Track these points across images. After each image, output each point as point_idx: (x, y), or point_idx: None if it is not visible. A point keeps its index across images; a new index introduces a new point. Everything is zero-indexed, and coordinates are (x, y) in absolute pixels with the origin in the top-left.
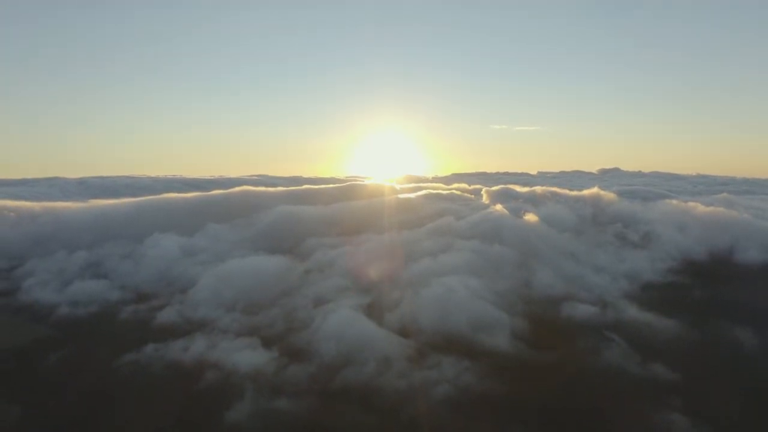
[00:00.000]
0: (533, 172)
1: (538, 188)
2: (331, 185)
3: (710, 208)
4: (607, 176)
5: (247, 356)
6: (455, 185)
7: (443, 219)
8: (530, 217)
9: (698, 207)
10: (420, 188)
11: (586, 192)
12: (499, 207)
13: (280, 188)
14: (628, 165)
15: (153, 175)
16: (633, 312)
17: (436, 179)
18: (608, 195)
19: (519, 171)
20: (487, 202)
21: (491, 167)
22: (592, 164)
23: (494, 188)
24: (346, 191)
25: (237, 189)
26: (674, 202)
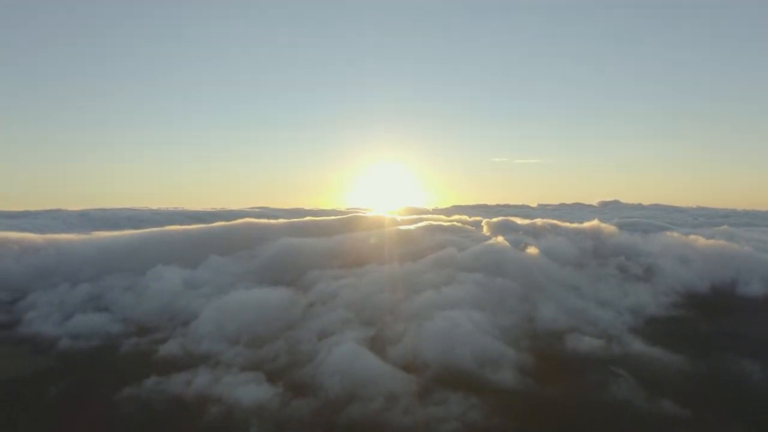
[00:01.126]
0: (533, 204)
1: (538, 220)
2: (333, 217)
3: (711, 241)
4: (608, 209)
5: (251, 391)
6: (455, 217)
7: (445, 251)
8: (532, 250)
9: (699, 240)
10: (421, 220)
11: (586, 224)
12: (500, 239)
13: (281, 220)
14: (628, 197)
15: (154, 207)
16: (638, 346)
17: (436, 211)
18: (609, 228)
19: (519, 203)
20: (487, 233)
21: (492, 199)
22: (592, 197)
23: (494, 220)
24: (348, 223)
25: (239, 221)
26: (675, 234)
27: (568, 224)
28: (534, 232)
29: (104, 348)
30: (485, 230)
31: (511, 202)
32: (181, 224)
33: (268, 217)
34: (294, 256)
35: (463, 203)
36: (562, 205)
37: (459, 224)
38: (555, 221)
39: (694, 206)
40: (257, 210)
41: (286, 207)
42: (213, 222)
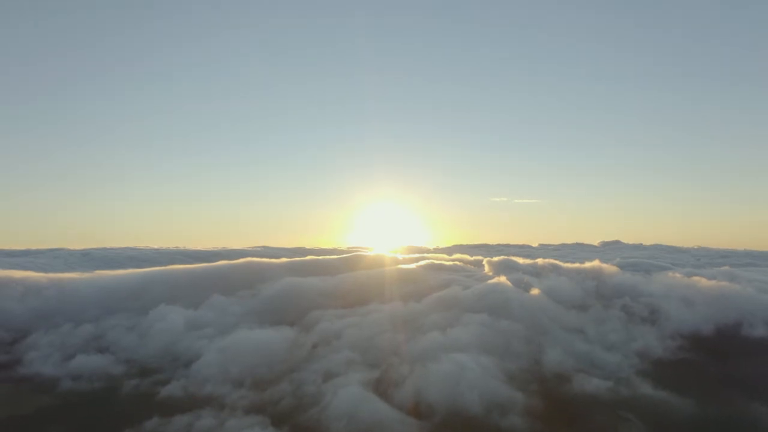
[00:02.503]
0: (534, 244)
1: (539, 260)
2: (335, 256)
3: (713, 282)
4: (609, 249)
5: None
6: (456, 256)
7: (449, 290)
8: (534, 291)
9: (702, 281)
10: (422, 259)
11: (587, 264)
12: (503, 279)
13: (283, 259)
14: (628, 237)
15: (155, 246)
16: (647, 389)
17: (437, 250)
18: (611, 268)
19: (520, 243)
20: (489, 273)
21: (492, 239)
22: (592, 236)
23: (495, 259)
24: (350, 262)
25: (241, 260)
26: (678, 275)
27: (569, 264)
28: (535, 272)
29: (105, 389)
30: (487, 269)
31: (512, 242)
32: (183, 264)
33: (270, 257)
34: (296, 295)
35: (464, 242)
36: (563, 245)
37: (460, 263)
38: (556, 261)
39: (695, 246)
40: (258, 249)
41: (286, 246)
42: (215, 261)
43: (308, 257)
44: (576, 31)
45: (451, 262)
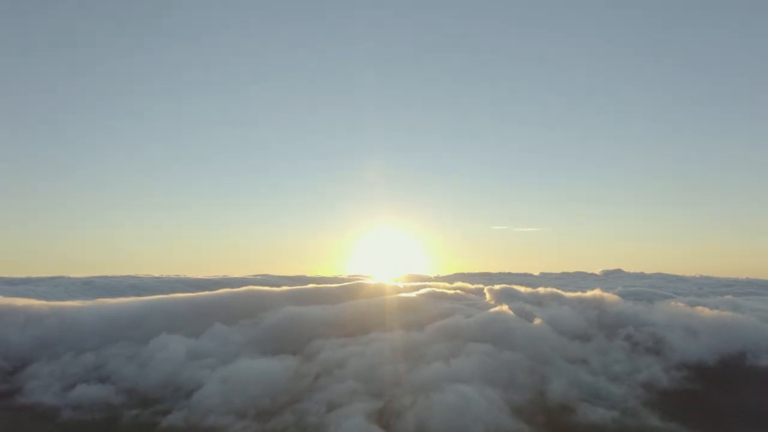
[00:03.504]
0: (536, 272)
1: (541, 289)
2: (336, 284)
3: (716, 312)
4: (610, 277)
5: None
6: (458, 284)
7: (451, 319)
8: (537, 320)
9: (705, 311)
10: (424, 287)
11: (589, 293)
12: (505, 308)
13: (284, 287)
14: (630, 265)
15: (155, 274)
16: (654, 421)
17: (438, 278)
18: (612, 297)
19: (521, 271)
20: (490, 301)
21: (494, 267)
22: (594, 264)
23: (497, 287)
24: (351, 290)
25: (242, 288)
26: (680, 304)
27: (571, 293)
28: (537, 301)
29: (106, 419)
30: (488, 298)
31: (514, 270)
32: (183, 292)
33: (271, 285)
34: (298, 324)
35: (465, 270)
36: (565, 274)
37: (462, 292)
38: (558, 290)
39: (697, 275)
40: (259, 277)
41: (287, 274)
42: (216, 290)
43: (309, 285)
44: (576, 61)
45: (452, 291)
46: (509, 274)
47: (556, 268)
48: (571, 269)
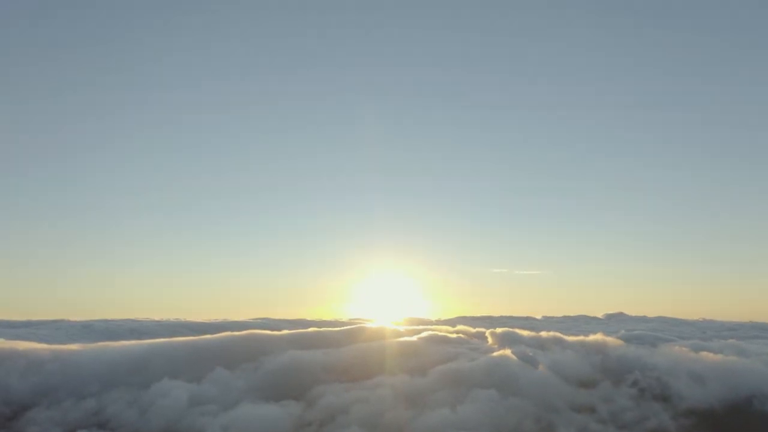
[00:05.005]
0: (538, 316)
1: (543, 333)
2: (338, 328)
3: (721, 357)
4: (612, 321)
5: None
6: (459, 327)
7: (454, 363)
8: (541, 365)
9: (710, 355)
10: (426, 331)
11: (591, 337)
12: (508, 352)
13: (285, 331)
14: (632, 308)
15: (155, 317)
16: None
17: (440, 322)
18: (615, 341)
19: (523, 315)
20: (492, 345)
21: (494, 310)
22: (596, 308)
23: (498, 331)
24: (352, 334)
25: (244, 332)
26: (684, 349)
27: (573, 337)
28: (539, 345)
29: None
30: (490, 342)
31: (515, 314)
32: (184, 336)
33: (271, 328)
34: (300, 369)
35: (465, 313)
36: (567, 317)
37: (464, 336)
38: (560, 334)
39: (699, 318)
40: (259, 321)
41: (288, 317)
42: (216, 334)
43: (311, 329)
44: (574, 102)
45: (454, 335)
46: (511, 317)
47: (558, 312)
48: (572, 312)
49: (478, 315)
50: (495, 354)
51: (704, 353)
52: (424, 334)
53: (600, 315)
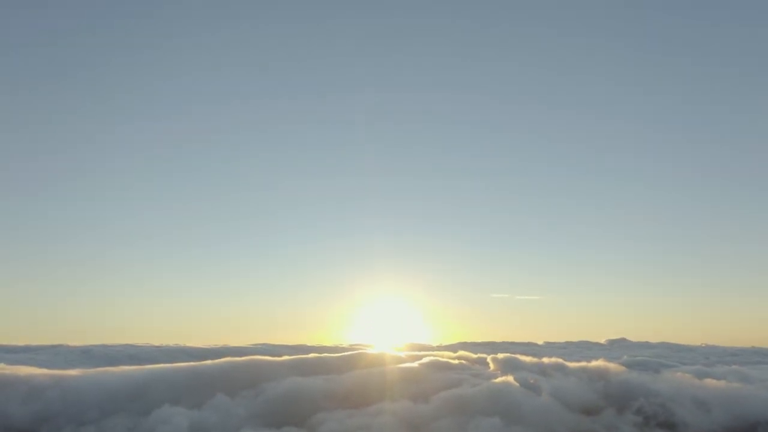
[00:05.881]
0: (539, 341)
1: (545, 359)
2: (339, 354)
3: (724, 383)
4: (615, 347)
5: None
6: (460, 353)
7: (456, 390)
8: (544, 392)
9: (713, 382)
10: (427, 356)
11: (593, 363)
12: (510, 378)
13: (286, 357)
14: (634, 334)
15: (154, 343)
16: None
17: (441, 347)
18: (618, 367)
19: (525, 340)
20: (493, 371)
21: (496, 335)
22: (598, 333)
23: (500, 356)
24: (354, 360)
25: (245, 358)
26: (688, 375)
27: (575, 363)
28: (541, 371)
29: None
30: (492, 368)
31: (516, 339)
32: (184, 362)
33: (272, 354)
34: (302, 395)
35: (466, 339)
36: (569, 343)
37: (465, 361)
38: (562, 360)
39: (702, 344)
40: (260, 346)
41: (287, 343)
42: (216, 359)
43: (311, 355)
44: (576, 127)
45: (456, 360)
46: (513, 343)
47: (560, 337)
48: (574, 338)
49: (480, 341)
50: (497, 380)
51: (708, 381)
52: (425, 360)
53: (602, 341)
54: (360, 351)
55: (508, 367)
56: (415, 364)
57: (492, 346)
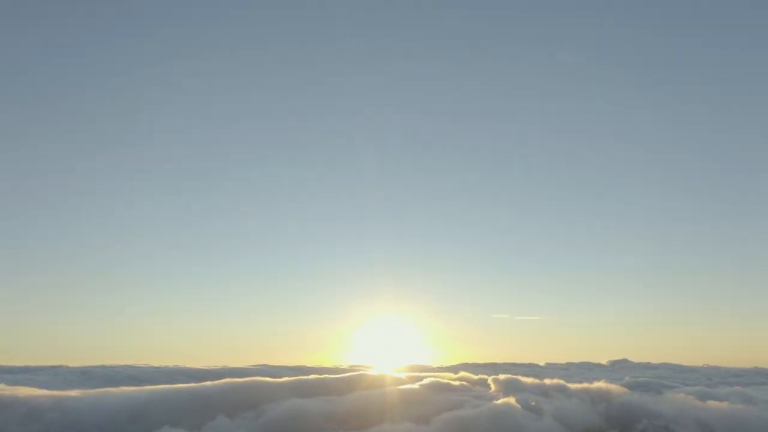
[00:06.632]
0: (541, 362)
1: (547, 380)
2: (339, 375)
3: (727, 404)
4: (617, 368)
5: None
6: (461, 374)
7: (458, 412)
8: (546, 415)
9: (716, 403)
10: (428, 378)
11: (595, 385)
12: (512, 400)
13: (286, 378)
14: (636, 354)
15: (154, 363)
16: None
17: (441, 369)
18: (620, 389)
19: (526, 361)
20: (494, 392)
21: (497, 356)
22: (599, 354)
23: (501, 377)
24: (354, 382)
25: (245, 379)
26: (691, 396)
27: (577, 384)
28: (543, 392)
29: None
30: (493, 388)
31: (517, 360)
32: (184, 383)
33: (272, 375)
34: (303, 417)
35: (467, 360)
36: (570, 364)
37: (466, 383)
38: (563, 381)
39: (704, 365)
40: (259, 368)
41: (287, 364)
42: (216, 380)
43: (311, 376)
44: (575, 150)
45: (457, 382)
46: (515, 364)
47: (562, 358)
48: (576, 358)
49: (481, 362)
50: (499, 402)
51: (711, 403)
52: (426, 381)
53: (604, 361)
54: (360, 372)
55: (509, 388)
56: (416, 386)
57: (493, 368)
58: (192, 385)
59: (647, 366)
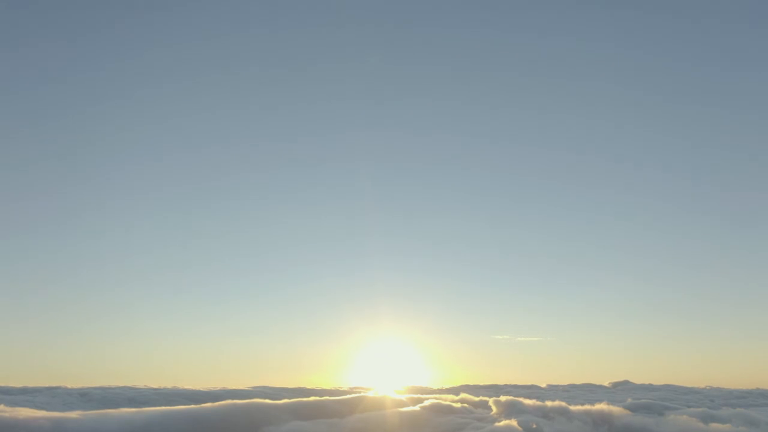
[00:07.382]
0: (542, 384)
1: (548, 402)
2: (340, 397)
3: (728, 426)
4: (619, 389)
5: None
6: (462, 395)
7: None
8: None
9: (719, 425)
10: (428, 399)
11: (597, 407)
12: (513, 423)
13: (286, 400)
14: (637, 376)
15: (153, 385)
16: None
17: (442, 390)
18: (622, 411)
19: (528, 383)
20: (495, 415)
21: (497, 377)
22: (600, 375)
23: (502, 399)
24: (355, 404)
25: (245, 401)
26: (694, 419)
27: (578, 407)
28: (544, 414)
29: None
30: (494, 410)
31: (519, 381)
32: (184, 405)
33: (272, 397)
34: None
35: (468, 381)
36: (572, 386)
37: (467, 405)
38: (564, 403)
39: (706, 386)
40: (259, 389)
41: (287, 386)
42: (216, 402)
43: (312, 398)
44: (575, 168)
45: (458, 404)
46: (516, 386)
47: (563, 380)
48: (578, 380)
49: (482, 383)
50: (500, 424)
51: (713, 424)
52: (426, 403)
53: (606, 383)
54: (361, 394)
55: (510, 410)
56: (417, 408)
57: (494, 389)
58: (191, 407)
59: (649, 387)
